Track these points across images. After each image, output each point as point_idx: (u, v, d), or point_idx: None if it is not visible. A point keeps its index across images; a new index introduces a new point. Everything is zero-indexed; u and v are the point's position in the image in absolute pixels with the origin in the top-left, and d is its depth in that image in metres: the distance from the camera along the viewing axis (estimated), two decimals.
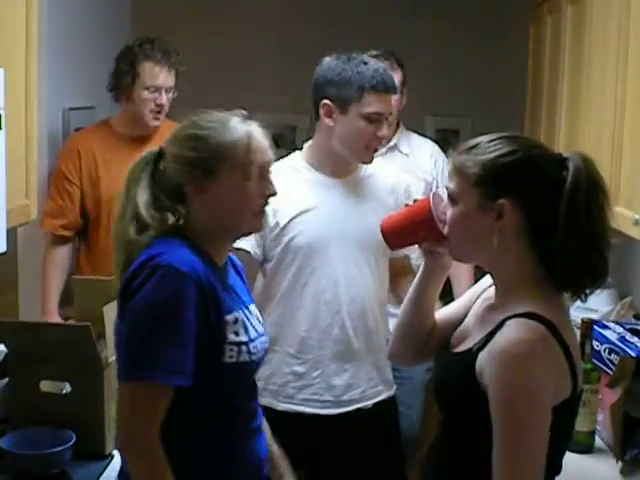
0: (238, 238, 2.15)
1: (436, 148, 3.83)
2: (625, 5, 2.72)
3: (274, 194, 2.07)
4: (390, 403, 2.95)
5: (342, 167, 2.84)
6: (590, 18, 3.19)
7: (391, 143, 3.74)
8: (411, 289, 2.13)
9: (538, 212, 1.84)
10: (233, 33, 5.14)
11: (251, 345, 2.03)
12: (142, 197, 2.01)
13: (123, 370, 1.90)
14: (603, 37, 3.00)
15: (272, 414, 2.76)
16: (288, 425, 2.74)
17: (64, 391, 2.41)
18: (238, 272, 2.20)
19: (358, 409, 2.84)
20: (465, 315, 2.04)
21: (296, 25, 4.98)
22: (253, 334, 2.05)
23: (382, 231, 2.10)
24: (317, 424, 2.83)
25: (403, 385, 3.16)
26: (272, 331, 2.62)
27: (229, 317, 1.99)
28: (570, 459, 2.38)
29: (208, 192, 2.00)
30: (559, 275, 1.84)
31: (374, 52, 3.48)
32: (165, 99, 3.52)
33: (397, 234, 2.08)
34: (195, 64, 5.02)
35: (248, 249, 2.79)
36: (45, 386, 2.42)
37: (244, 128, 2.03)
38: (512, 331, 1.79)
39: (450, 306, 2.16)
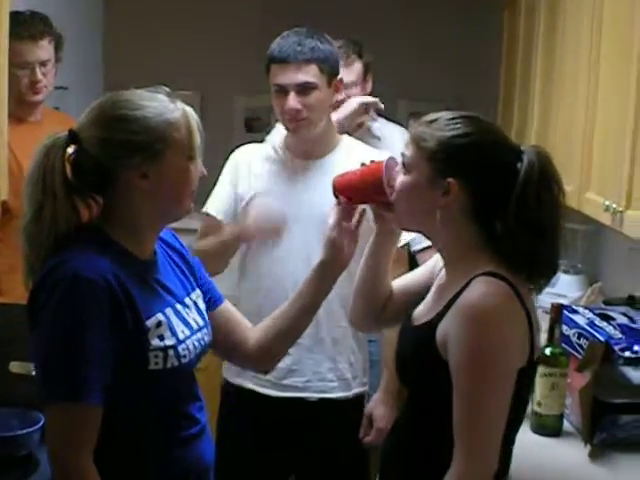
0: (166, 225, 2.00)
1: (406, 133, 3.82)
2: None
3: (205, 174, 1.98)
4: (345, 405, 2.87)
5: (307, 149, 2.82)
6: (563, 5, 3.19)
7: (363, 127, 3.74)
8: (364, 253, 2.14)
9: (485, 197, 1.88)
10: (205, 14, 5.10)
11: (180, 348, 1.89)
12: (60, 189, 1.83)
13: (40, 390, 1.79)
14: (576, 22, 2.99)
15: (231, 388, 2.84)
16: (244, 401, 2.83)
17: (33, 372, 2.38)
18: (176, 258, 2.06)
19: (301, 398, 2.81)
20: (425, 286, 2.06)
21: (271, 6, 4.95)
22: (183, 334, 1.92)
23: (333, 186, 2.12)
24: (265, 403, 2.83)
25: (374, 368, 3.16)
26: (241, 305, 2.63)
27: (150, 321, 1.85)
28: (539, 442, 2.50)
29: (149, 177, 1.85)
30: (508, 263, 1.87)
31: (336, 43, 3.50)
32: (39, 74, 3.26)
33: (347, 191, 2.10)
34: (167, 45, 5.08)
35: (218, 216, 2.84)
36: (14, 367, 2.40)
37: (178, 107, 1.90)
38: (476, 288, 1.82)
39: (408, 275, 2.19)
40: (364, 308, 2.17)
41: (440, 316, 1.88)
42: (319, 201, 2.69)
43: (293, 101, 2.71)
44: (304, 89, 2.72)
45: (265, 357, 2.19)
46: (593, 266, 3.54)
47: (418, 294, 2.05)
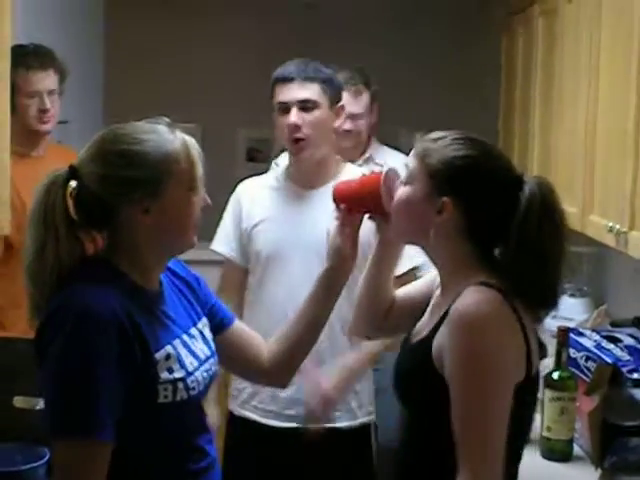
0: (171, 258, 1.98)
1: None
2: (596, 18, 2.74)
3: (208, 204, 1.95)
4: (351, 434, 2.84)
5: (308, 177, 2.83)
6: (561, 31, 3.21)
7: (366, 155, 3.76)
8: (367, 263, 2.15)
9: (481, 220, 1.88)
10: (205, 47, 5.16)
11: (189, 380, 1.86)
12: (62, 227, 1.80)
13: (49, 425, 1.75)
14: (574, 46, 3.01)
15: (235, 420, 2.83)
16: (248, 432, 2.83)
17: (37, 407, 2.38)
18: (182, 287, 2.04)
19: (306, 428, 2.79)
20: (428, 296, 2.05)
21: (270, 36, 5.00)
22: (192, 366, 1.89)
23: (333, 193, 2.13)
24: (268, 434, 2.82)
25: (379, 396, 3.14)
26: None
27: (160, 354, 1.82)
28: (549, 467, 2.48)
29: (151, 211, 1.82)
30: (514, 292, 1.85)
31: (341, 75, 3.53)
32: (48, 102, 3.29)
33: (346, 199, 2.10)
34: (167, 79, 5.11)
35: (227, 255, 2.88)
36: (18, 402, 2.39)
37: (178, 137, 1.87)
38: (468, 295, 1.80)
39: (410, 284, 2.19)
40: (365, 316, 2.17)
41: (434, 331, 1.87)
42: (320, 229, 2.67)
43: (295, 116, 2.74)
44: (306, 106, 2.75)
45: (281, 371, 2.18)
46: (598, 288, 3.53)
47: (421, 303, 2.05)
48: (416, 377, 1.91)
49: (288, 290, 2.73)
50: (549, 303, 1.90)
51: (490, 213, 1.87)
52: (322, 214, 2.70)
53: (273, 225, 2.81)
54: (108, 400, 1.74)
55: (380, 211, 2.03)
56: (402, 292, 2.17)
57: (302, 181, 2.85)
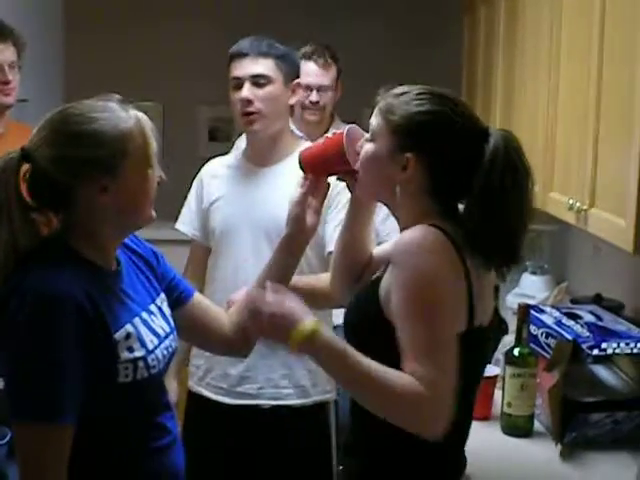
0: (128, 235, 1.97)
1: None
2: None
3: (163, 180, 1.94)
4: (302, 412, 2.82)
5: (261, 154, 2.83)
6: (523, 10, 3.21)
7: (328, 134, 3.75)
8: (342, 226, 2.15)
9: (444, 176, 1.86)
10: (167, 23, 5.12)
11: (149, 358, 1.86)
12: (15, 211, 1.78)
13: (11, 408, 1.74)
14: (536, 25, 3.01)
15: (192, 396, 2.87)
16: (203, 409, 2.85)
17: None
18: (139, 263, 2.03)
19: (254, 406, 2.80)
20: None
21: (233, 13, 4.98)
22: (152, 344, 1.88)
23: (299, 160, 2.13)
24: (221, 411, 2.83)
25: None
26: None
27: (119, 334, 1.81)
28: (509, 443, 2.50)
29: (109, 190, 1.81)
30: (470, 246, 1.83)
31: (308, 48, 3.56)
32: (10, 74, 3.27)
33: (313, 163, 2.11)
34: (128, 56, 5.06)
35: (190, 234, 2.93)
36: None
37: (131, 114, 1.85)
38: (410, 231, 1.81)
39: (387, 242, 2.18)
40: (340, 276, 2.16)
41: (384, 271, 1.86)
42: (272, 207, 2.70)
43: (246, 91, 2.73)
44: (259, 81, 2.74)
45: (242, 339, 2.17)
46: (559, 266, 3.55)
47: None
48: (362, 322, 1.89)
49: (235, 266, 2.77)
50: (509, 258, 1.87)
51: (454, 168, 1.85)
52: (273, 191, 2.73)
53: (226, 203, 2.83)
54: (70, 383, 1.73)
55: (347, 170, 2.02)
56: (379, 249, 2.15)
57: (256, 159, 2.85)
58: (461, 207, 1.89)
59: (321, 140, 2.14)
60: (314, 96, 3.65)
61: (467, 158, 1.83)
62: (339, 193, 2.67)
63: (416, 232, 1.80)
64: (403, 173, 1.85)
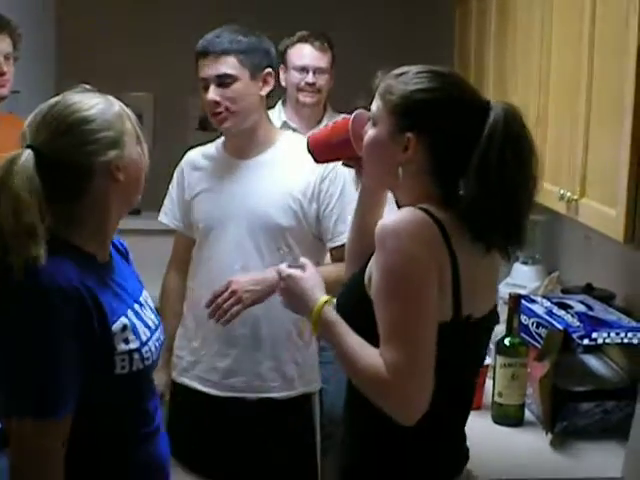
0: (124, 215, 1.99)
1: None
2: None
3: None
4: (288, 404, 2.81)
5: (240, 147, 2.80)
6: (514, 3, 3.19)
7: (323, 123, 3.75)
8: (353, 214, 2.11)
9: (445, 155, 1.82)
10: (160, 15, 5.11)
11: (144, 350, 1.89)
12: (34, 210, 1.74)
13: (7, 402, 1.77)
14: (527, 14, 3.00)
15: (177, 387, 2.85)
16: (187, 399, 2.85)
17: None
18: (122, 255, 2.07)
19: (241, 399, 2.78)
20: None
21: (224, 3, 4.95)
22: (145, 336, 1.91)
23: (307, 145, 2.13)
24: (208, 403, 2.82)
25: (330, 364, 3.13)
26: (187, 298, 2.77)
27: (116, 326, 1.83)
28: (500, 432, 2.52)
29: (121, 169, 1.86)
30: (468, 226, 1.80)
31: (305, 32, 3.53)
32: (5, 66, 3.25)
33: (319, 148, 2.11)
34: (120, 46, 5.04)
35: (171, 226, 2.92)
36: None
37: (109, 99, 1.91)
38: (394, 213, 1.79)
39: None
40: (354, 256, 2.10)
41: (372, 254, 1.84)
42: (252, 200, 2.71)
43: (212, 93, 2.70)
44: (224, 81, 2.70)
45: None
46: (550, 256, 3.54)
47: None
48: (350, 300, 1.89)
49: (219, 260, 2.75)
50: (513, 235, 1.83)
51: (456, 146, 1.80)
52: (256, 185, 2.71)
53: (208, 197, 2.81)
54: (69, 375, 1.75)
55: (353, 156, 2.01)
56: None
57: (235, 152, 2.82)
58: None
59: (330, 124, 2.14)
60: (310, 77, 3.63)
61: (468, 135, 1.78)
62: (330, 184, 2.65)
63: (400, 215, 1.78)
64: (404, 154, 1.82)
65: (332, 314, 1.83)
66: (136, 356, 1.86)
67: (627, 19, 2.08)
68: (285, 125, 3.70)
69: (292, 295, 1.93)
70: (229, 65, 2.69)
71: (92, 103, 1.85)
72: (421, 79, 1.84)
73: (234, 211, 2.74)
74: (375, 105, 1.89)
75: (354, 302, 1.87)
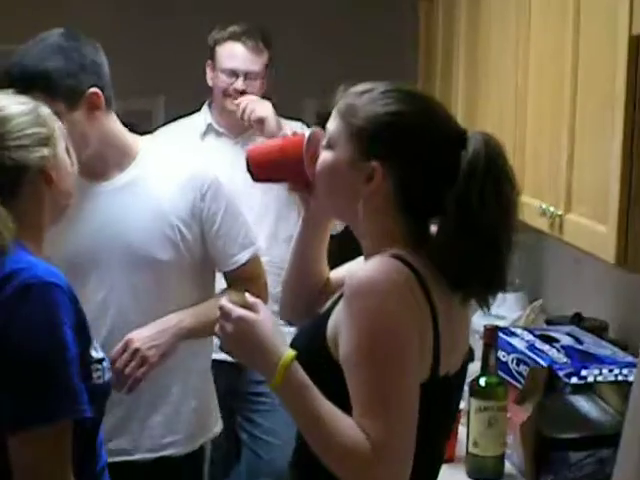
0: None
1: (305, 127, 3.63)
2: None
3: None
4: (182, 461, 2.52)
5: (89, 167, 2.34)
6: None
7: (287, 133, 3.51)
8: (292, 241, 2.02)
9: (415, 189, 1.72)
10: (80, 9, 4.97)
11: (105, 361, 1.89)
12: None
13: (22, 414, 1.71)
14: (502, 15, 2.92)
15: None
16: None
17: None
18: None
19: (131, 462, 2.46)
20: None
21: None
22: (101, 349, 1.92)
23: (247, 159, 1.93)
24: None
25: (277, 412, 2.87)
26: None
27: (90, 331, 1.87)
28: None
29: (54, 167, 1.88)
30: (443, 272, 1.70)
31: (238, 28, 3.33)
32: None
33: (262, 166, 1.94)
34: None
35: None
36: None
37: (39, 103, 1.94)
38: (368, 265, 1.68)
39: (346, 265, 2.02)
40: (292, 298, 2.03)
41: (333, 305, 1.75)
42: (119, 230, 2.35)
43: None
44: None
45: None
46: (533, 281, 3.48)
47: None
48: (305, 350, 1.73)
49: (93, 308, 2.33)
50: (493, 282, 1.74)
51: (427, 179, 1.71)
52: (118, 214, 2.38)
53: (63, 229, 2.27)
54: (76, 372, 1.75)
55: (303, 180, 1.86)
56: (337, 272, 2.01)
57: (84, 173, 2.26)
58: (434, 230, 1.76)
59: (277, 140, 1.99)
60: (239, 84, 3.36)
61: (442, 167, 1.70)
62: (212, 201, 2.46)
63: (373, 266, 1.67)
64: (367, 185, 1.71)
65: (301, 374, 1.67)
66: (105, 364, 1.88)
67: (615, 22, 2.00)
68: (210, 129, 3.48)
69: (244, 342, 1.69)
70: (38, 101, 2.13)
71: (27, 101, 1.91)
72: (390, 99, 1.74)
73: (99, 247, 2.38)
74: (334, 125, 1.78)
75: (311, 357, 1.72)
